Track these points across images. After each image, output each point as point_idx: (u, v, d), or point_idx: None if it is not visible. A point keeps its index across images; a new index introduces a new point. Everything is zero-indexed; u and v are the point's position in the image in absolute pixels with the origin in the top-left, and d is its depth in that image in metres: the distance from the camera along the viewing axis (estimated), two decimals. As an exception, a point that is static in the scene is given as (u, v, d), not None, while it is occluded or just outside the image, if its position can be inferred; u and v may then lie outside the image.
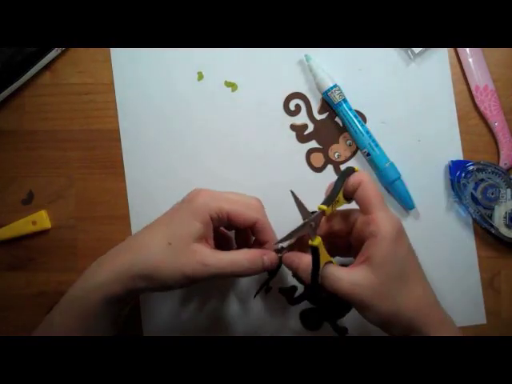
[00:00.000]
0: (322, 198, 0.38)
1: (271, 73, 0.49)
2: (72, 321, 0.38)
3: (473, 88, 0.48)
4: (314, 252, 0.35)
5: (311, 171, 0.49)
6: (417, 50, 0.48)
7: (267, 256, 0.39)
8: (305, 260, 0.37)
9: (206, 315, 0.49)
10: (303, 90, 0.49)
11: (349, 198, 0.38)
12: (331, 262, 0.37)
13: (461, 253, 0.49)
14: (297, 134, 0.49)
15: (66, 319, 0.39)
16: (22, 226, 0.49)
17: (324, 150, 0.49)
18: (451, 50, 0.49)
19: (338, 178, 0.38)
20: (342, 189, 0.38)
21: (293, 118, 0.49)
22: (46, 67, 0.50)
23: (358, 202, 0.38)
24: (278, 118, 0.49)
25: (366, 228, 0.36)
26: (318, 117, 0.49)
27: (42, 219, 0.49)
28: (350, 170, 0.38)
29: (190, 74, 0.49)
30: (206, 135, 0.49)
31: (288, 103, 0.49)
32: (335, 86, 0.47)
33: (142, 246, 0.38)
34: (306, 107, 0.49)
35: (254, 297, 0.47)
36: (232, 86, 0.49)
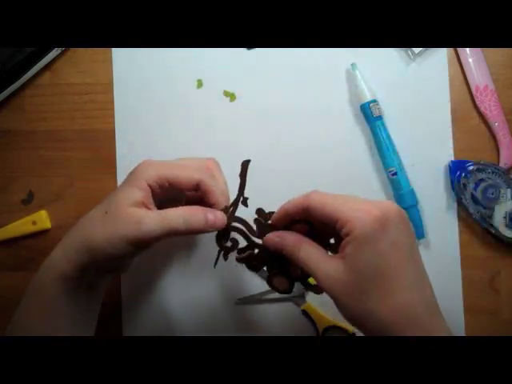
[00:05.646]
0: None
1: (270, 84, 0.49)
2: (32, 305, 0.39)
3: (473, 88, 0.48)
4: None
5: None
6: (417, 50, 0.48)
7: (212, 213, 0.37)
8: (289, 238, 0.37)
9: (190, 315, 0.49)
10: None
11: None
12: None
13: (460, 253, 0.49)
14: None
15: (27, 304, 0.39)
16: (22, 225, 0.49)
17: None
18: (451, 50, 0.49)
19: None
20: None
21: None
22: (46, 67, 0.50)
23: (322, 222, 0.35)
24: (277, 130, 0.49)
25: (343, 229, 0.34)
26: None
27: (42, 219, 0.49)
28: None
29: (189, 81, 0.49)
30: (204, 138, 0.49)
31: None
32: (375, 100, 0.47)
33: (85, 220, 0.39)
34: None
35: (215, 266, 0.41)
36: (231, 95, 0.49)
